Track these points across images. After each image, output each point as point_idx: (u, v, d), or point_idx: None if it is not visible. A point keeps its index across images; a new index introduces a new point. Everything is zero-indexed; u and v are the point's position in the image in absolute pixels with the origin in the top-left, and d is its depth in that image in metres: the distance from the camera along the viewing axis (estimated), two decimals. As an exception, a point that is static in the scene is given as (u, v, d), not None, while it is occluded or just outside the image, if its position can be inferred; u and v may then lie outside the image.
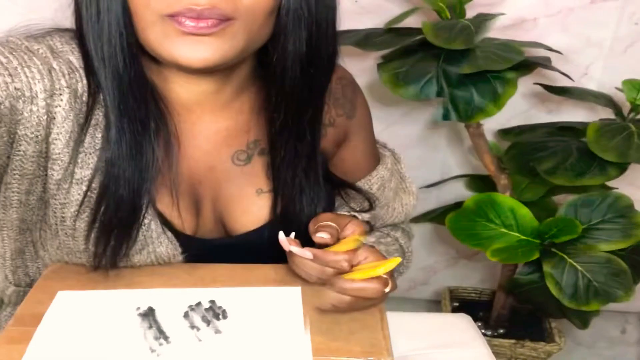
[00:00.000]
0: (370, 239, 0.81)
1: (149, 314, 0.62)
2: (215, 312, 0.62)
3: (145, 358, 0.57)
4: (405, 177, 0.89)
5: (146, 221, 0.66)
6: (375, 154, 0.85)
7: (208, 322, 0.61)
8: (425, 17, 1.29)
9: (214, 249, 0.71)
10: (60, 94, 0.61)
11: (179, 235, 0.69)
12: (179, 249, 0.68)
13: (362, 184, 0.82)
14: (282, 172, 0.70)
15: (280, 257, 0.70)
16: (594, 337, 1.68)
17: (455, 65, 1.14)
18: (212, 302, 0.63)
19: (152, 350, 0.58)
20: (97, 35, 0.60)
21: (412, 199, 0.89)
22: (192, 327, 0.61)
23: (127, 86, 0.62)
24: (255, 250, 0.72)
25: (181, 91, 0.67)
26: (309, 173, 0.71)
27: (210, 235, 0.72)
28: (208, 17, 0.55)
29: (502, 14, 1.27)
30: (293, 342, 0.58)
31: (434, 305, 1.76)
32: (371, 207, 0.81)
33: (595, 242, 1.23)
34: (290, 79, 0.64)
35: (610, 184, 1.32)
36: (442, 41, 1.12)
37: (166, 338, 0.59)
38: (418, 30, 1.20)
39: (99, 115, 0.64)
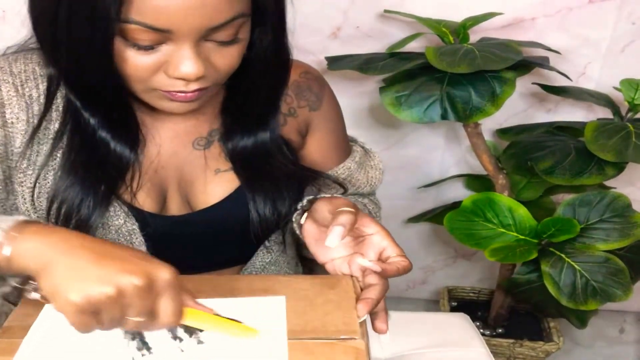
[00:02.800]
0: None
1: None
2: (191, 331, 0.62)
3: None
4: (375, 157, 0.94)
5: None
6: (344, 148, 0.90)
7: (191, 333, 0.61)
8: (427, 42, 1.30)
9: (178, 224, 0.78)
10: (10, 103, 0.71)
11: (142, 213, 0.75)
12: (136, 223, 0.74)
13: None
14: (237, 154, 0.78)
15: (237, 230, 0.78)
16: (592, 337, 1.69)
17: (460, 89, 1.15)
18: None
19: None
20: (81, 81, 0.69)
21: (378, 173, 0.93)
22: (175, 337, 0.61)
23: (106, 106, 0.72)
24: (216, 224, 0.79)
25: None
26: (265, 156, 0.79)
27: (179, 213, 0.79)
28: (193, 92, 0.67)
29: (501, 13, 1.27)
30: (272, 352, 0.58)
31: (433, 304, 1.76)
32: (345, 192, 0.87)
33: (593, 242, 1.23)
34: (254, 78, 0.74)
35: (608, 183, 1.32)
36: (445, 65, 1.13)
37: (149, 349, 0.59)
38: (419, 55, 1.20)
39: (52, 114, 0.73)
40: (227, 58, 0.66)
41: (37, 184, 0.72)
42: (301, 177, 0.82)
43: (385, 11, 1.31)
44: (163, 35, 0.61)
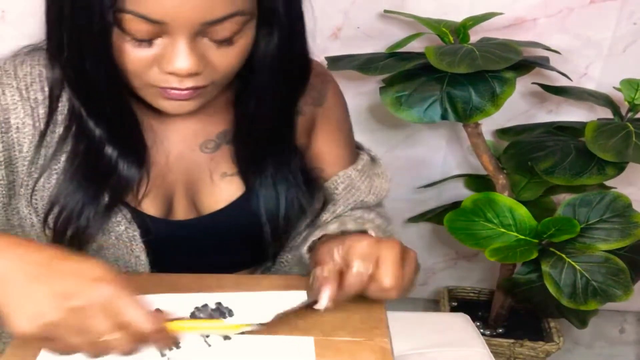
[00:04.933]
0: (342, 226, 0.79)
1: None
2: (222, 312, 0.63)
3: None
4: (381, 165, 0.89)
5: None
6: (349, 150, 0.86)
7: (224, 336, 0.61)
8: (427, 42, 1.30)
9: (184, 229, 0.76)
10: (15, 108, 0.71)
11: (146, 219, 0.74)
12: (137, 230, 0.73)
13: (329, 183, 0.83)
14: (245, 158, 0.76)
15: (243, 237, 0.77)
16: (592, 337, 1.69)
17: (460, 89, 1.15)
18: (219, 303, 0.64)
19: (163, 355, 0.58)
20: (83, 81, 0.67)
21: (384, 182, 0.87)
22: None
23: (110, 112, 0.70)
24: (222, 230, 0.77)
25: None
26: (277, 162, 0.77)
27: (185, 218, 0.77)
28: (188, 90, 0.65)
29: (500, 13, 1.27)
30: (299, 344, 0.59)
31: (433, 304, 1.76)
32: (322, 208, 0.82)
33: (593, 242, 1.23)
34: (260, 82, 0.71)
35: (608, 183, 1.32)
36: (445, 65, 1.13)
37: (176, 343, 0.59)
38: (420, 55, 1.21)
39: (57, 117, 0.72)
40: (225, 58, 0.65)
41: (39, 187, 0.71)
42: (312, 186, 0.79)
43: (385, 11, 1.31)
44: (158, 27, 0.61)
